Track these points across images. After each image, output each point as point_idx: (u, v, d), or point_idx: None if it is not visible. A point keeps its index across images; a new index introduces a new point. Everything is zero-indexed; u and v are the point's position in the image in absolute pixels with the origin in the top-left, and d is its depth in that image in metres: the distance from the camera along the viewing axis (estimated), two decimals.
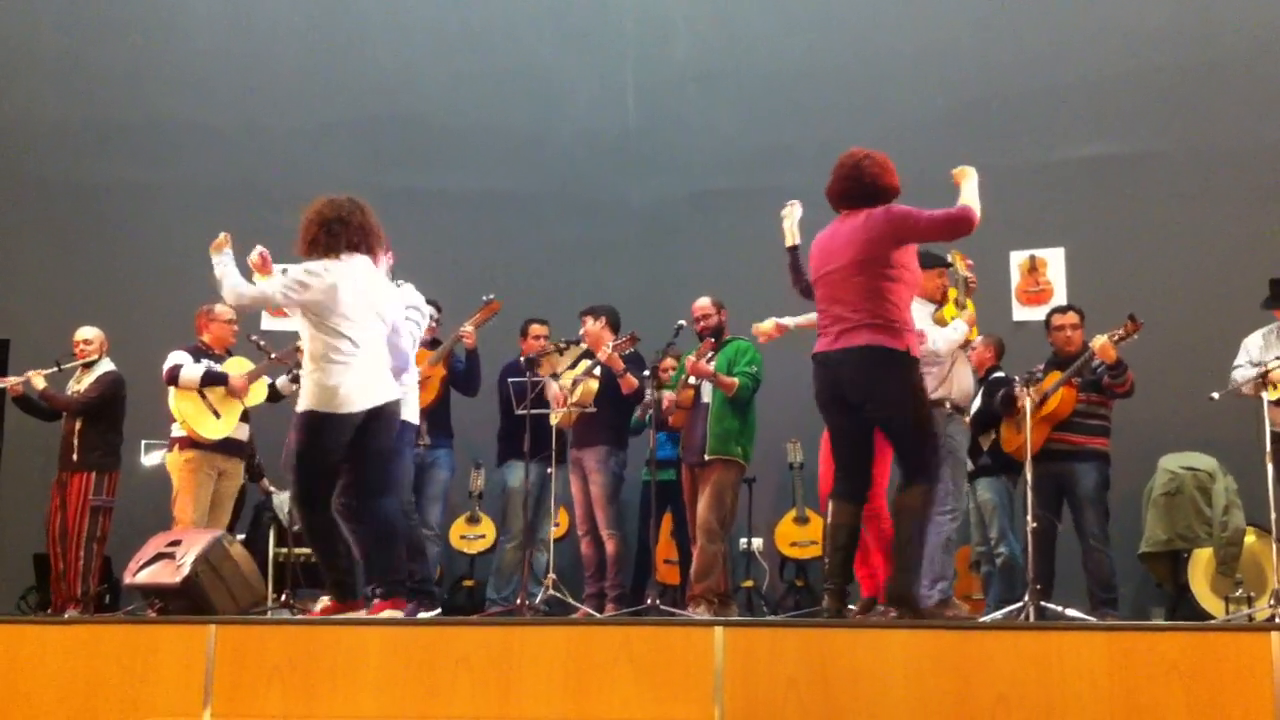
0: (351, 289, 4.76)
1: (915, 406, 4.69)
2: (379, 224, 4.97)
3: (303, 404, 4.78)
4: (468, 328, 6.55)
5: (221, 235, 4.96)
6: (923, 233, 4.72)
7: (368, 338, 4.81)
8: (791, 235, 5.35)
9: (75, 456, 6.99)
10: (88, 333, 7.23)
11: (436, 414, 6.66)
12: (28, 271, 8.85)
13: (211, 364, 6.71)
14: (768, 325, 5.74)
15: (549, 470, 6.74)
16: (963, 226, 4.70)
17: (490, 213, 8.95)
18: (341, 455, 4.76)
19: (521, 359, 7.01)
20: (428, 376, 6.45)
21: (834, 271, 4.72)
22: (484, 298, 6.60)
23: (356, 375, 4.74)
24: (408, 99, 9.16)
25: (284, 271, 4.83)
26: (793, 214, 5.40)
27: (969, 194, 4.76)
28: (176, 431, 6.69)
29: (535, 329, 7.20)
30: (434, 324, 6.66)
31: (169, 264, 8.71)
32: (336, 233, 4.80)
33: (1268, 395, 5.68)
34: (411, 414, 5.53)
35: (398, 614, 4.67)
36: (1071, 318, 6.42)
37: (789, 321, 5.74)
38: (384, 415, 4.85)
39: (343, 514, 4.79)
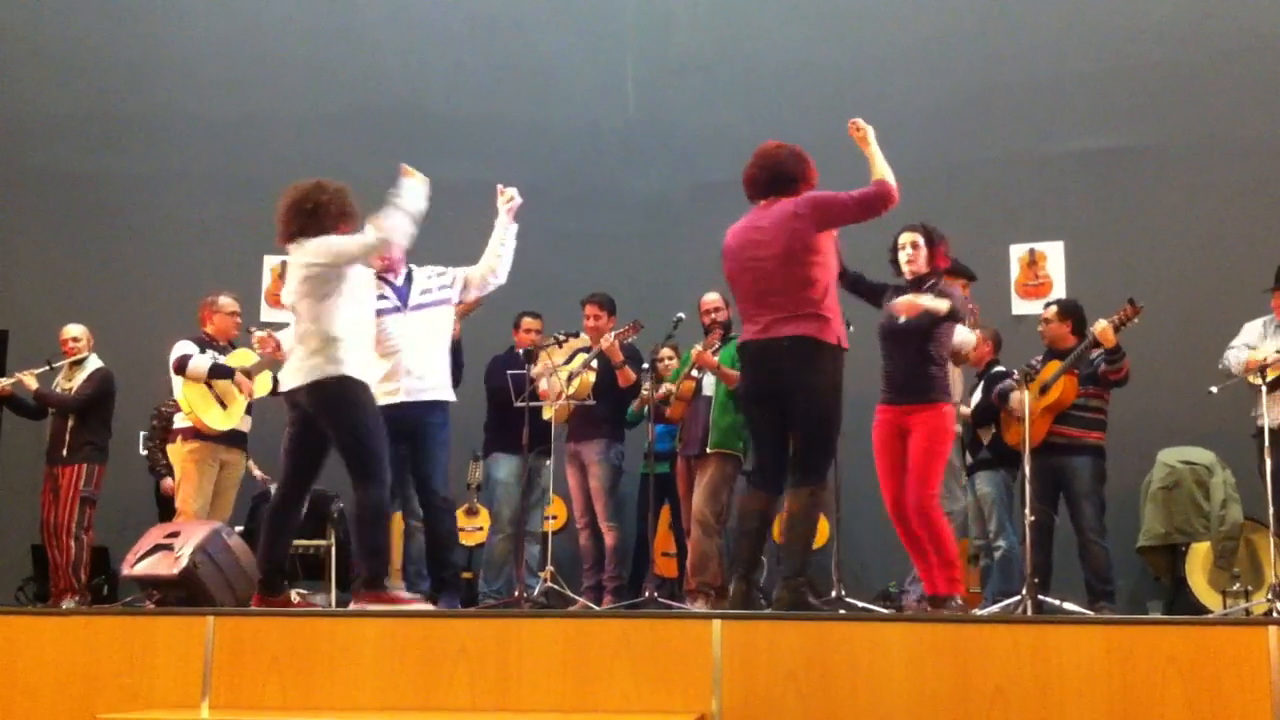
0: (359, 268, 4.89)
1: (832, 407, 4.70)
2: (355, 204, 4.99)
3: (316, 375, 4.76)
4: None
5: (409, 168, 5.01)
6: (846, 216, 4.73)
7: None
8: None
9: (65, 452, 7.08)
10: (75, 330, 7.31)
11: None
12: (27, 263, 8.85)
13: (217, 355, 6.72)
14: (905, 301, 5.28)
15: (547, 463, 6.74)
16: (880, 204, 4.69)
17: (489, 204, 8.90)
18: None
19: (520, 351, 7.01)
20: None
21: (762, 261, 4.71)
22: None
23: (358, 350, 4.84)
24: (408, 90, 9.15)
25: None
26: None
27: (879, 161, 4.74)
28: (181, 422, 6.71)
29: (528, 322, 7.18)
30: None
31: (169, 255, 8.72)
32: (320, 214, 4.85)
33: (1254, 379, 5.70)
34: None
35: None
36: (1048, 312, 6.50)
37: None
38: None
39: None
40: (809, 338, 4.61)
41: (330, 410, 4.78)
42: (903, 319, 5.09)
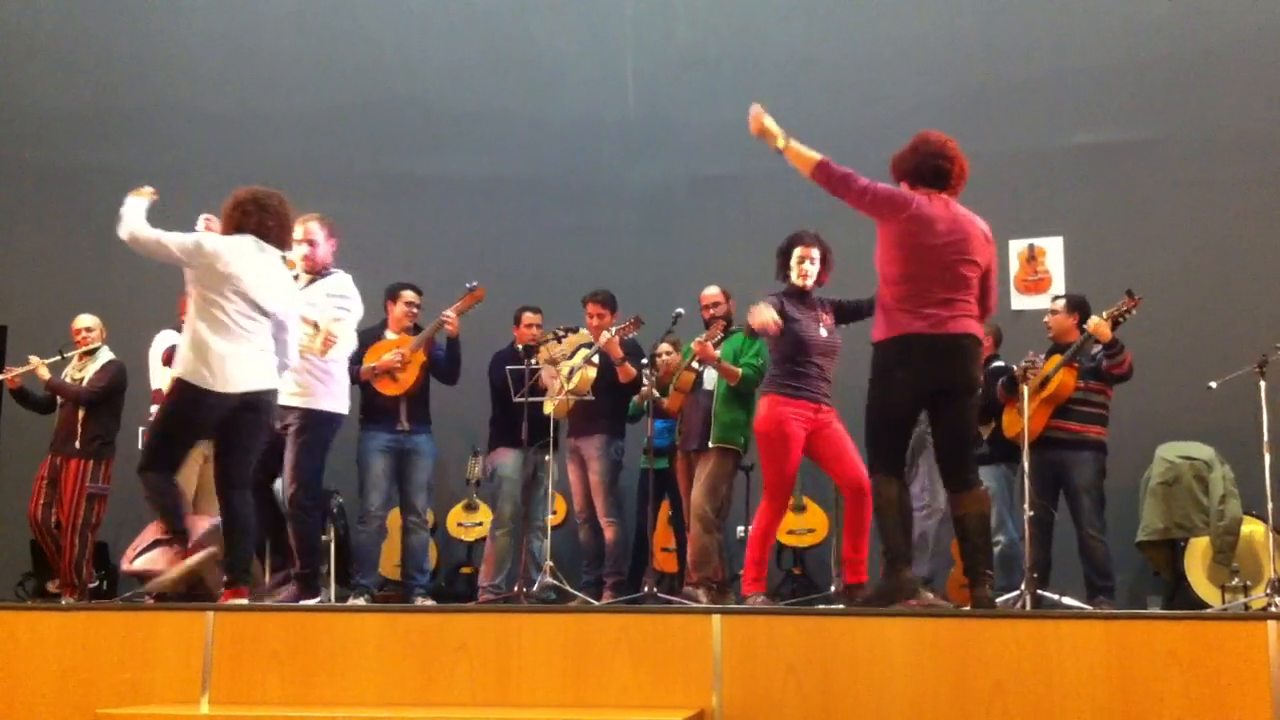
0: (245, 272, 4.83)
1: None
2: (289, 215, 5.05)
3: (178, 370, 4.84)
4: (449, 314, 6.46)
5: (148, 188, 5.09)
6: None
7: (251, 324, 4.86)
8: None
9: (78, 444, 7.01)
10: (87, 320, 7.24)
11: (416, 400, 6.55)
12: (26, 258, 8.83)
13: None
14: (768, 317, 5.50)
15: (546, 458, 6.74)
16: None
17: (489, 198, 8.93)
18: (207, 434, 4.93)
19: (520, 346, 7.01)
20: (408, 362, 6.43)
21: (966, 256, 4.66)
22: (467, 285, 6.55)
23: (235, 356, 4.79)
24: (407, 84, 9.13)
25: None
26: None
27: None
28: None
29: (528, 317, 7.18)
30: (415, 309, 6.67)
31: None
32: (247, 215, 4.91)
33: None
34: (340, 405, 5.68)
35: (241, 601, 4.76)
36: (1055, 304, 6.56)
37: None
38: (259, 405, 4.91)
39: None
40: (978, 336, 4.70)
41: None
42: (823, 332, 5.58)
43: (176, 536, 4.88)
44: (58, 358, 7.16)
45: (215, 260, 4.79)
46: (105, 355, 7.21)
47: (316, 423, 5.61)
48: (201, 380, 4.75)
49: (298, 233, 5.47)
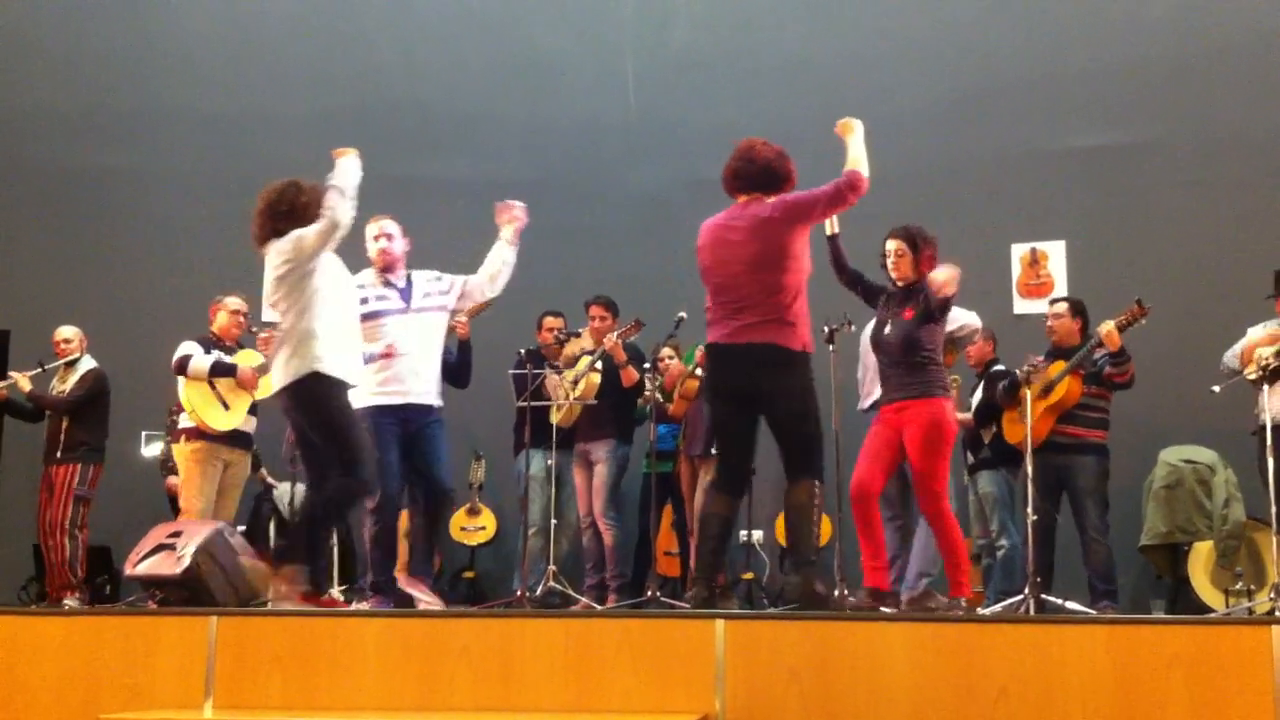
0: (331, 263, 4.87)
1: (810, 405, 4.72)
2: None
3: (294, 375, 4.75)
4: (461, 318, 6.47)
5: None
6: (817, 213, 4.76)
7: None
8: (831, 224, 5.33)
9: (60, 451, 7.12)
10: (67, 331, 7.36)
11: None
12: (26, 261, 8.84)
13: (221, 355, 6.71)
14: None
15: (549, 462, 6.75)
16: (849, 192, 4.70)
17: (489, 200, 8.86)
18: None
19: (540, 350, 7.05)
20: None
21: (733, 263, 4.70)
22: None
23: (337, 347, 4.80)
24: (407, 86, 9.14)
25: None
26: None
27: (856, 152, 4.77)
28: (184, 422, 6.72)
29: (549, 321, 7.20)
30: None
31: (168, 252, 8.72)
32: (296, 214, 4.84)
33: (1251, 374, 5.70)
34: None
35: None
36: (1057, 308, 6.48)
37: None
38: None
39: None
40: (778, 346, 4.63)
41: (303, 407, 4.79)
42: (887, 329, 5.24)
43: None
44: (39, 370, 7.25)
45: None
46: (86, 364, 7.32)
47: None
48: (345, 373, 4.85)
49: (373, 229, 5.55)
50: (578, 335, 6.86)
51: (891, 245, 5.30)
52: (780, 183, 4.78)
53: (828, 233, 5.33)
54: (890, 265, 5.30)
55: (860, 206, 4.85)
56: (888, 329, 5.22)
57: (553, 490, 6.77)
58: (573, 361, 6.73)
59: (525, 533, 6.98)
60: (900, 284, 5.30)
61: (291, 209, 4.83)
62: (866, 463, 5.15)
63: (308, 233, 4.77)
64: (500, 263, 5.71)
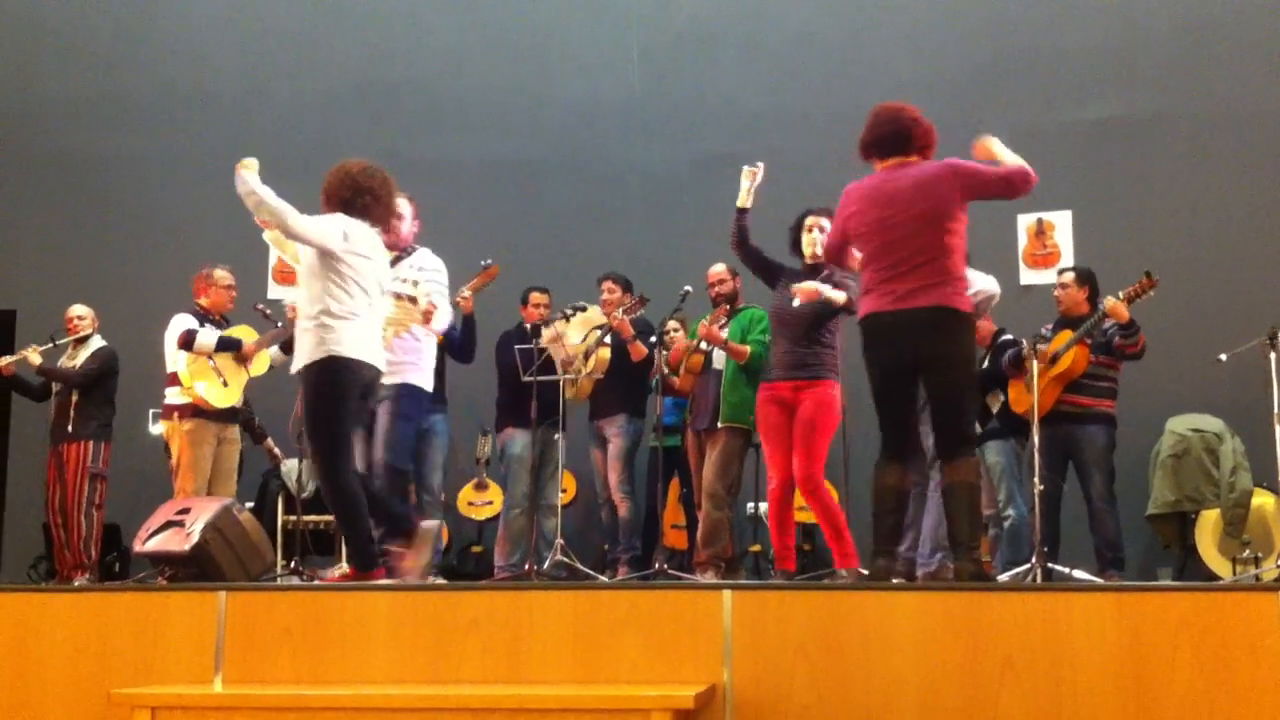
0: (363, 248, 4.77)
1: (973, 376, 4.63)
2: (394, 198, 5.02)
3: (312, 356, 4.67)
4: (465, 293, 6.46)
5: (252, 160, 4.85)
6: (990, 188, 4.55)
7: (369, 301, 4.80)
8: (747, 196, 5.48)
9: (70, 428, 7.10)
10: (80, 309, 7.38)
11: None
12: (32, 243, 8.85)
13: (218, 330, 6.70)
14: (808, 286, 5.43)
15: (556, 437, 6.75)
16: (1023, 183, 4.52)
17: (493, 179, 8.91)
18: (355, 409, 4.76)
19: (527, 326, 7.00)
20: None
21: (898, 222, 4.48)
22: (482, 262, 6.53)
23: (360, 332, 4.72)
24: (409, 65, 9.11)
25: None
26: (755, 177, 5.53)
27: (1012, 157, 4.61)
28: (175, 399, 6.67)
29: (536, 297, 7.18)
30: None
31: (173, 233, 8.72)
32: (361, 197, 4.82)
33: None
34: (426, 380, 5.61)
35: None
36: (1064, 278, 6.48)
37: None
38: (376, 383, 4.89)
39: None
40: (949, 308, 4.43)
41: (307, 390, 4.72)
42: (797, 303, 5.39)
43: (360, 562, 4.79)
44: (50, 345, 7.25)
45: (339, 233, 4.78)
46: (97, 342, 7.32)
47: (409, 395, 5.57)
48: (368, 355, 4.78)
49: None
50: (584, 309, 6.83)
51: (814, 220, 5.53)
52: (928, 147, 4.64)
53: (739, 204, 5.50)
54: (809, 240, 5.52)
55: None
56: (795, 305, 5.40)
57: (554, 467, 6.80)
58: (557, 338, 6.70)
59: (505, 514, 7.00)
60: (811, 261, 5.51)
61: (355, 193, 4.79)
62: (781, 455, 5.39)
63: (315, 226, 4.72)
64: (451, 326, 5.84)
